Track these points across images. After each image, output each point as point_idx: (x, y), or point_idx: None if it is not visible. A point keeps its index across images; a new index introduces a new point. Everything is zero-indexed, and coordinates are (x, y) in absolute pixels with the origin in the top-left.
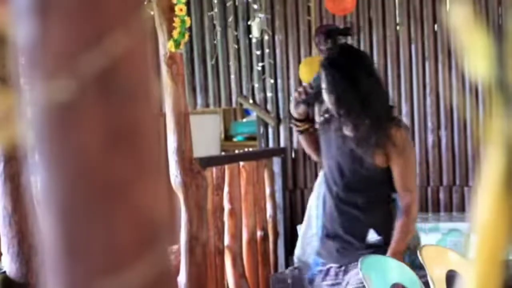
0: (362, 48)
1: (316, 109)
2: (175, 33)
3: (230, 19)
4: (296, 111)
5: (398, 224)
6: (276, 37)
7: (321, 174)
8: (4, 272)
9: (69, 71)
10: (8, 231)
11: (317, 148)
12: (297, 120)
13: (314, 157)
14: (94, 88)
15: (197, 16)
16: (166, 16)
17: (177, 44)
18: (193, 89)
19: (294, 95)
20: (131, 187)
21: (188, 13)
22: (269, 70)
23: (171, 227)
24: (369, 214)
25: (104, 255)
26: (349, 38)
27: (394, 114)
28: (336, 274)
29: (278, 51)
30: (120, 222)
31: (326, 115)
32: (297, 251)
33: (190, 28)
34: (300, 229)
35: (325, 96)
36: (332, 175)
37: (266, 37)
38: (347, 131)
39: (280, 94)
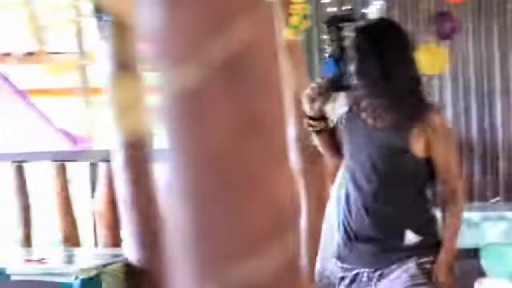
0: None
1: (330, 105)
2: (294, 20)
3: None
4: (311, 109)
5: (447, 219)
6: None
7: (339, 176)
8: (126, 258)
9: (197, 58)
10: (129, 218)
11: (334, 147)
12: (312, 119)
13: (329, 157)
14: (222, 74)
15: (313, 4)
16: (284, 2)
17: (296, 31)
18: (311, 77)
19: (307, 92)
20: (261, 174)
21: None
22: None
23: (298, 215)
24: (406, 212)
25: (234, 241)
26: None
27: (428, 100)
28: (369, 279)
29: None
30: (251, 210)
31: (349, 108)
32: (318, 265)
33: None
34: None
35: (350, 67)
36: (364, 172)
37: None
38: (379, 121)
39: None
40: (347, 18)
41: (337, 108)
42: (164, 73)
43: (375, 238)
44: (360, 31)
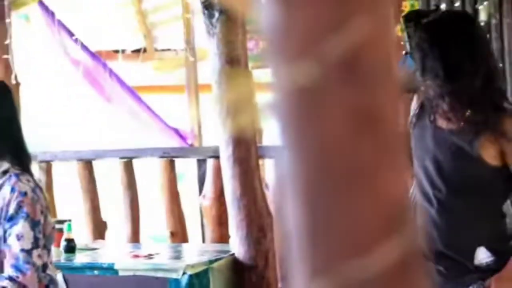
0: None
1: None
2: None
3: (457, 3)
4: None
5: None
6: (504, 21)
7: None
8: (233, 254)
9: (313, 55)
10: (237, 214)
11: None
12: None
13: None
14: (338, 72)
15: (423, 1)
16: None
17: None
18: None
19: None
20: (376, 172)
21: None
22: (497, 54)
23: (412, 211)
24: (478, 225)
25: (347, 239)
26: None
27: (504, 99)
28: None
29: (506, 35)
30: (365, 207)
31: (418, 109)
32: None
33: None
34: None
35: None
36: (430, 178)
37: (493, 21)
38: (448, 123)
39: (509, 79)
40: (427, 14)
41: (412, 109)
42: (280, 69)
43: (444, 253)
44: (423, 27)
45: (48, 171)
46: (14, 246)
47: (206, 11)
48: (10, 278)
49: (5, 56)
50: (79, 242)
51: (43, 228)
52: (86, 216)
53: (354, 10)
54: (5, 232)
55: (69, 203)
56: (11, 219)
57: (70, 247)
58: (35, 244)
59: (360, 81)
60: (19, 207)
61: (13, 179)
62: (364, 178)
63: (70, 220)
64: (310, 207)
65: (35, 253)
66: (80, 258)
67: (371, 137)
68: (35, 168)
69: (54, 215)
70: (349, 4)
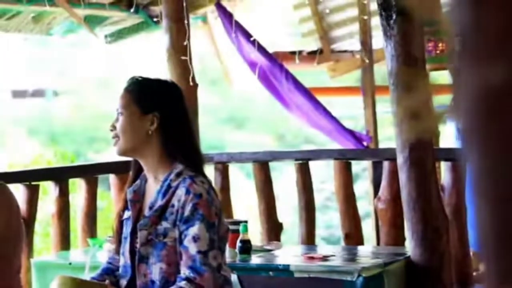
0: None
1: None
2: None
3: None
4: None
5: None
6: None
7: None
8: (408, 257)
9: (506, 55)
10: (413, 216)
11: None
12: None
13: None
14: None
15: None
16: None
17: None
18: None
19: None
20: None
21: None
22: None
23: None
24: None
25: None
26: None
27: None
28: None
29: None
30: None
31: None
32: None
33: None
34: None
35: None
36: None
37: None
38: None
39: None
40: None
41: None
42: (471, 69)
43: None
44: None
45: (224, 172)
46: (191, 247)
47: (383, 13)
48: (188, 279)
49: (183, 58)
50: (254, 244)
51: (218, 230)
52: (261, 217)
53: None
54: (180, 233)
55: (244, 204)
56: (187, 221)
57: (246, 248)
58: (211, 245)
59: None
60: (194, 209)
61: (188, 181)
62: None
63: (246, 221)
64: (498, 211)
65: (211, 254)
66: (255, 259)
67: None
68: (210, 169)
69: (231, 216)
70: None
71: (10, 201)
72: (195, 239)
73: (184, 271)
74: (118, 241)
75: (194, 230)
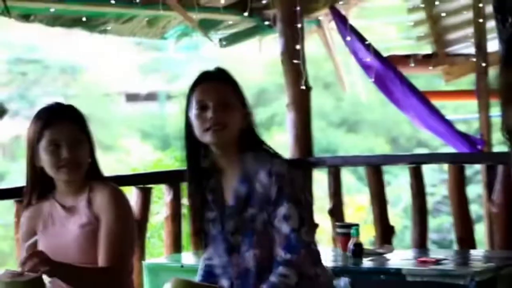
0: None
1: None
2: None
3: None
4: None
5: None
6: None
7: None
8: None
9: None
10: None
11: None
12: None
13: None
14: None
15: None
16: None
17: None
18: None
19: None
20: None
21: None
22: None
23: None
24: None
25: None
26: None
27: None
28: None
29: None
30: None
31: None
32: None
33: None
34: None
35: None
36: None
37: None
38: None
39: None
40: None
41: None
42: None
43: None
44: None
45: (336, 176)
46: (283, 227)
47: (498, 16)
48: (285, 263)
49: (297, 61)
50: (366, 247)
51: (305, 206)
52: (374, 221)
53: None
54: (269, 216)
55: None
56: (275, 202)
57: (358, 252)
58: (302, 222)
59: None
60: (279, 189)
61: (268, 164)
62: None
63: (357, 225)
64: None
65: (303, 230)
66: (367, 263)
67: None
68: (323, 172)
69: (342, 219)
70: None
71: (125, 202)
72: (286, 218)
73: (280, 253)
74: (205, 245)
75: (283, 210)
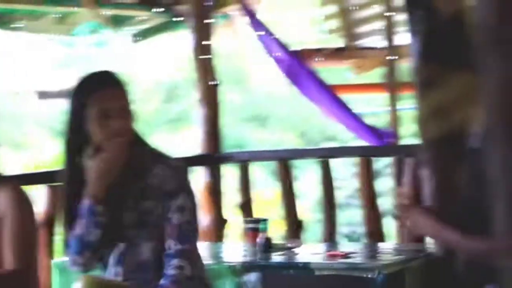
0: None
1: None
2: None
3: None
4: None
5: None
6: None
7: None
8: (429, 254)
9: None
10: None
11: None
12: None
13: None
14: None
15: None
16: None
17: None
18: None
19: None
20: None
21: None
22: None
23: None
24: None
25: None
26: None
27: None
28: None
29: None
30: None
31: None
32: None
33: None
34: None
35: None
36: None
37: None
38: None
39: None
40: None
41: None
42: (493, 64)
43: None
44: None
45: (245, 171)
46: (175, 218)
47: (409, 9)
48: (178, 253)
49: (207, 56)
50: (275, 241)
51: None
52: (283, 215)
53: None
54: (163, 207)
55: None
56: (171, 193)
57: (266, 246)
58: (194, 216)
59: None
60: (178, 181)
61: (164, 159)
62: None
63: (266, 220)
64: None
65: (196, 224)
66: (276, 258)
67: None
68: (232, 167)
69: (251, 215)
70: None
71: (28, 201)
72: (180, 209)
73: (170, 244)
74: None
75: (178, 201)
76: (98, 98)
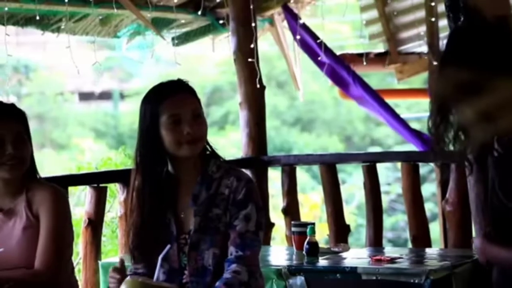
0: None
1: None
2: None
3: None
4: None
5: None
6: None
7: None
8: (476, 259)
9: None
10: (481, 220)
11: None
12: None
13: None
14: None
15: None
16: None
17: None
18: None
19: None
20: None
21: None
22: None
23: None
24: None
25: None
26: None
27: None
28: None
29: None
30: None
31: None
32: None
33: None
34: None
35: None
36: None
37: None
38: None
39: None
40: None
41: None
42: None
43: None
44: None
45: (291, 174)
46: (241, 226)
47: (451, 14)
48: (237, 258)
49: (250, 60)
50: (321, 246)
51: (263, 214)
52: (328, 220)
53: None
54: (231, 216)
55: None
56: (240, 203)
57: (313, 251)
58: (259, 227)
59: None
60: (247, 192)
61: (234, 171)
62: None
63: (313, 224)
64: None
65: (260, 234)
66: (322, 262)
67: None
68: (277, 171)
69: (298, 218)
70: None
71: (65, 201)
72: (246, 219)
73: (232, 250)
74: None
75: (246, 211)
76: (170, 104)
